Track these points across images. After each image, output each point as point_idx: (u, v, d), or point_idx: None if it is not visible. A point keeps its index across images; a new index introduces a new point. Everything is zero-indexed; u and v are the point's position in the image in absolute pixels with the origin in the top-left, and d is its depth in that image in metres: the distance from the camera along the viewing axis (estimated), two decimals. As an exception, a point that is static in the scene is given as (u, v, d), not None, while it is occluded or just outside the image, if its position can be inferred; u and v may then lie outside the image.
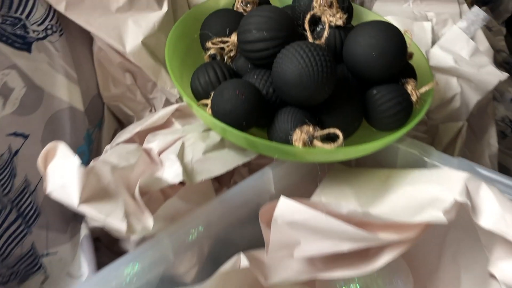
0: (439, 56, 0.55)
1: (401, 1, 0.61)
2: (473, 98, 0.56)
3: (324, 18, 0.44)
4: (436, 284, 0.46)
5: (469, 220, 0.36)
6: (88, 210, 0.30)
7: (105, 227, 0.34)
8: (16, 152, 0.42)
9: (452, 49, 0.55)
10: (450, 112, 0.56)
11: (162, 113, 0.47)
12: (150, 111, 0.53)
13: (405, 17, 0.59)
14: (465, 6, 0.61)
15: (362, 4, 0.71)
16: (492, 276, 0.34)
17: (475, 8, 0.57)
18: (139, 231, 0.31)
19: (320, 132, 0.38)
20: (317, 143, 0.38)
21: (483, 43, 0.60)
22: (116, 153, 0.38)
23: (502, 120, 0.89)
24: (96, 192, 0.31)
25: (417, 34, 0.57)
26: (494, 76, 0.55)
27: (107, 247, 0.51)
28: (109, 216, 0.30)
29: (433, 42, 0.57)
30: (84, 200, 0.30)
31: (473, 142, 0.63)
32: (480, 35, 0.60)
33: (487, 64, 0.55)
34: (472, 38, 0.59)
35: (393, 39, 0.41)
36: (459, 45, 0.56)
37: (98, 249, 0.49)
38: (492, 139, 0.62)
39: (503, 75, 0.54)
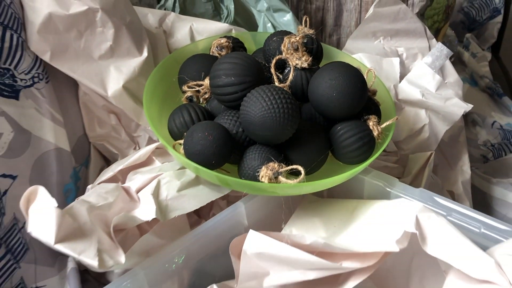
0: (407, 90, 0.58)
1: (372, 38, 0.65)
2: (441, 128, 0.59)
3: (290, 62, 0.48)
4: (405, 308, 0.48)
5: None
6: (63, 248, 0.33)
7: (83, 263, 0.37)
8: (5, 192, 0.45)
9: (419, 83, 0.59)
10: (419, 142, 0.59)
11: (143, 152, 0.50)
12: (135, 148, 0.57)
13: (375, 53, 0.63)
14: (433, 40, 0.65)
15: (338, 40, 0.75)
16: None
17: (439, 44, 0.60)
18: (111, 267, 0.34)
19: (284, 168, 0.41)
20: (282, 179, 0.41)
21: (453, 75, 0.63)
22: (95, 193, 0.41)
23: (484, 144, 0.92)
24: (71, 232, 0.34)
25: (386, 70, 0.60)
26: (459, 107, 0.58)
27: (95, 279, 0.53)
28: (82, 254, 0.33)
29: (403, 76, 0.61)
30: (60, 239, 0.33)
31: (447, 170, 0.65)
32: (450, 68, 0.63)
33: (453, 97, 0.58)
34: (442, 71, 0.63)
35: (351, 80, 0.44)
36: (426, 79, 0.59)
37: (87, 281, 0.52)
38: (465, 166, 0.65)
39: (468, 106, 0.58)
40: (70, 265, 0.49)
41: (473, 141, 0.92)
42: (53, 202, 0.34)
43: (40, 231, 0.33)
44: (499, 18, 1.16)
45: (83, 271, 0.52)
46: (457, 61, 1.11)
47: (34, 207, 0.35)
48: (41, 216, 0.34)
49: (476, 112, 0.98)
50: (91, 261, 0.32)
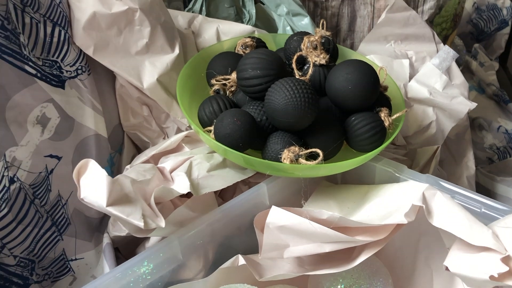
0: (416, 88, 0.63)
1: (384, 42, 0.70)
2: (448, 125, 0.63)
3: (309, 58, 0.52)
4: (412, 285, 0.53)
5: (436, 228, 0.42)
6: (113, 210, 0.37)
7: (126, 227, 0.41)
8: (52, 171, 0.50)
9: (426, 82, 0.63)
10: (427, 138, 0.63)
11: (174, 138, 0.55)
12: (164, 138, 0.62)
13: (387, 55, 0.68)
14: (441, 45, 0.70)
15: (352, 44, 0.80)
16: (447, 269, 0.41)
17: (446, 47, 0.65)
18: (153, 228, 0.39)
19: (304, 152, 0.46)
20: (302, 160, 0.45)
21: (459, 78, 0.68)
22: (135, 170, 0.46)
23: (490, 148, 0.96)
24: (119, 197, 0.38)
25: (396, 70, 0.65)
26: (464, 105, 0.62)
27: (125, 257, 0.58)
28: (129, 216, 0.38)
29: (412, 77, 0.65)
30: (110, 203, 0.38)
31: (453, 165, 0.70)
32: (456, 71, 0.68)
33: (458, 95, 0.63)
34: (449, 73, 0.67)
35: (365, 74, 0.49)
36: (433, 79, 0.64)
37: (118, 258, 0.57)
38: (470, 162, 0.69)
39: (472, 105, 0.62)
40: (106, 240, 0.54)
41: (479, 144, 0.96)
42: (104, 172, 0.39)
43: (93, 196, 0.38)
44: (507, 30, 1.20)
45: (114, 249, 0.57)
46: (465, 70, 1.16)
47: (86, 176, 0.40)
48: (93, 183, 0.39)
49: (482, 117, 1.02)
50: (138, 222, 0.37)
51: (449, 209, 0.40)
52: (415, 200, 0.41)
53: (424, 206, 0.41)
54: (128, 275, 0.41)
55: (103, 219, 0.56)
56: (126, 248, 0.58)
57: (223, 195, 0.57)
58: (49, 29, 0.51)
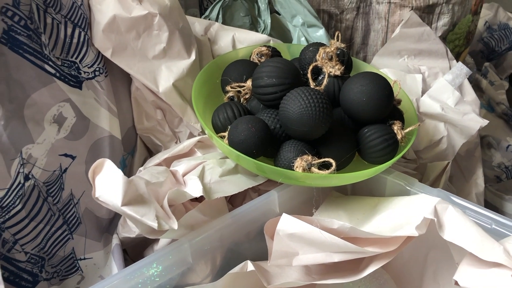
0: (428, 104, 0.63)
1: (397, 56, 0.70)
2: (459, 141, 0.64)
3: (324, 69, 0.53)
4: (419, 300, 0.53)
5: (445, 243, 0.42)
6: (127, 210, 0.38)
7: (139, 228, 0.42)
8: (65, 170, 0.51)
9: (439, 98, 0.64)
10: (438, 153, 0.63)
11: (187, 143, 0.55)
12: (176, 142, 0.62)
13: (400, 70, 0.68)
14: (454, 61, 0.70)
15: (365, 58, 0.80)
16: (456, 283, 0.41)
17: (459, 63, 0.65)
18: (166, 229, 0.39)
19: (317, 161, 0.46)
20: (314, 169, 0.46)
21: (471, 94, 0.68)
22: (148, 172, 0.47)
23: (498, 166, 0.96)
24: (134, 198, 0.39)
25: (409, 85, 0.65)
26: (476, 122, 0.63)
27: (132, 259, 0.58)
28: (144, 216, 0.38)
29: (425, 92, 0.66)
30: (125, 203, 0.38)
31: (462, 182, 0.70)
32: (468, 88, 0.69)
33: (470, 112, 0.63)
34: (461, 90, 0.68)
35: (380, 87, 0.49)
36: (446, 95, 0.64)
37: (125, 260, 0.57)
38: (479, 179, 0.69)
39: (484, 122, 0.62)
40: (115, 241, 0.54)
41: (487, 162, 0.96)
42: (120, 172, 0.39)
43: (108, 195, 0.39)
44: (518, 50, 1.20)
45: (122, 251, 0.57)
46: (475, 88, 1.16)
47: (101, 176, 0.40)
48: (109, 182, 0.39)
49: (491, 135, 1.02)
50: (152, 222, 0.38)
51: (460, 224, 0.40)
52: (427, 213, 0.42)
53: (435, 219, 0.41)
54: (136, 276, 0.42)
55: (113, 219, 0.56)
56: (134, 251, 0.59)
57: (233, 201, 0.57)
58: (69, 30, 0.52)
